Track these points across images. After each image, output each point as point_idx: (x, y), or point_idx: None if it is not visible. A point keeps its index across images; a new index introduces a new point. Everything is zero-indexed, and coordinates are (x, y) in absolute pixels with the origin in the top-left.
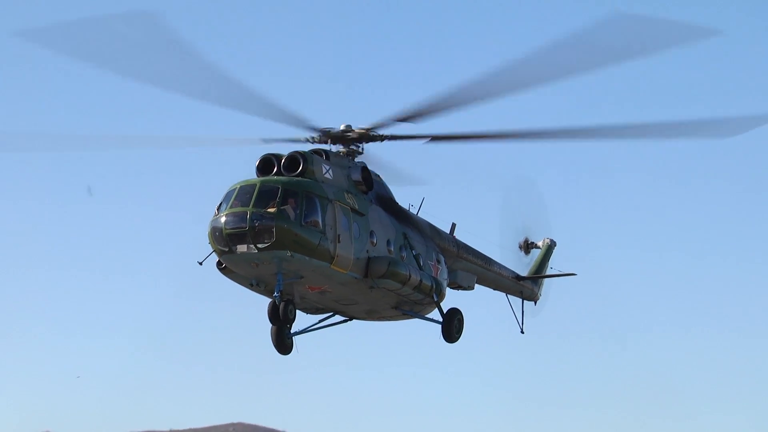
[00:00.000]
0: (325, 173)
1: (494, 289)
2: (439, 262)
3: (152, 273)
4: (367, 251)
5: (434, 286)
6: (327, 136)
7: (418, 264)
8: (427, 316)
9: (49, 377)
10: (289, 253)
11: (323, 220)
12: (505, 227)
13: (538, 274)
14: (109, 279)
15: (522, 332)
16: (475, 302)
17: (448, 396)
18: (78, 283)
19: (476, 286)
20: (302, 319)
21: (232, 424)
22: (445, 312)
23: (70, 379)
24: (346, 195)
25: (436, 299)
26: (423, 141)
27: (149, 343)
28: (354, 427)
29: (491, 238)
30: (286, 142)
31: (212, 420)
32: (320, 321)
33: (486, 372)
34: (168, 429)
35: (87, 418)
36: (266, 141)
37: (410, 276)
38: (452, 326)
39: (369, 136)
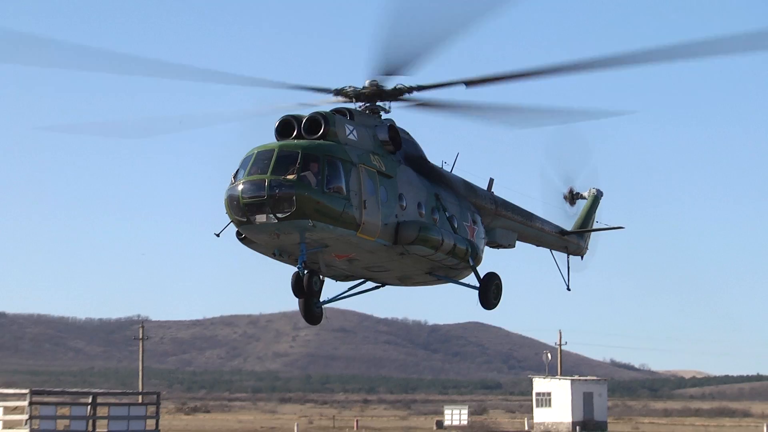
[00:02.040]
0: (349, 134)
1: (537, 246)
2: (475, 222)
3: None
4: (396, 216)
5: (470, 250)
6: (351, 93)
7: (452, 226)
8: (464, 280)
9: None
10: (311, 223)
11: (347, 186)
12: (548, 179)
13: (584, 226)
14: None
15: (568, 289)
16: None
17: None
18: None
19: (518, 243)
20: (331, 286)
21: None
22: (482, 277)
23: (158, 265)
24: (371, 157)
25: (472, 263)
26: (458, 86)
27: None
28: None
29: (533, 193)
30: (308, 90)
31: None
32: (350, 288)
33: None
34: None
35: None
36: (288, 86)
37: (443, 240)
38: (489, 292)
39: (397, 89)
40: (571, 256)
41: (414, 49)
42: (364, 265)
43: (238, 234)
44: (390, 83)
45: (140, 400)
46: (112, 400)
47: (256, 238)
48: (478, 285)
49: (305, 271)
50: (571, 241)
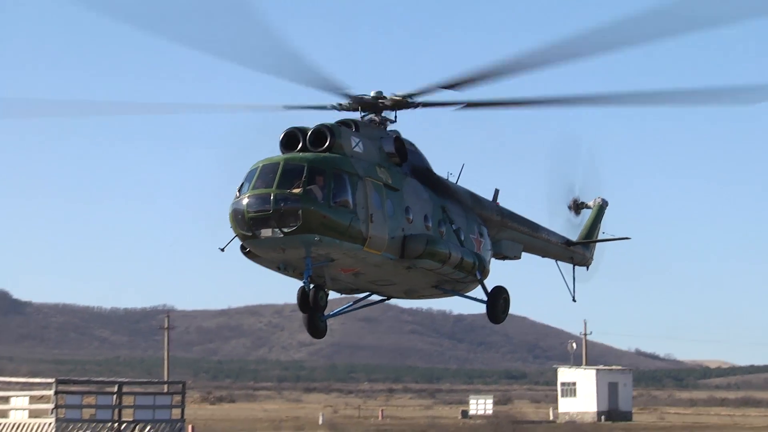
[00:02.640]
0: (355, 147)
1: (542, 257)
2: (481, 235)
3: None
4: (403, 229)
5: (477, 263)
6: (356, 103)
7: (459, 239)
8: (472, 294)
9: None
10: (317, 238)
11: (354, 199)
12: (553, 190)
13: (590, 236)
14: None
15: (574, 300)
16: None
17: None
18: None
19: (523, 254)
20: (336, 299)
21: None
22: (489, 291)
23: (184, 255)
24: (378, 169)
25: (479, 277)
26: (457, 107)
27: None
28: None
29: (537, 204)
30: (311, 109)
31: None
32: (355, 302)
33: None
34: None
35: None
36: (289, 107)
37: (450, 254)
38: (498, 306)
39: (403, 102)
40: (576, 267)
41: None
42: (370, 278)
43: (242, 248)
44: (396, 95)
45: (166, 390)
46: (137, 389)
47: (261, 253)
48: (485, 299)
49: (311, 286)
50: (576, 252)
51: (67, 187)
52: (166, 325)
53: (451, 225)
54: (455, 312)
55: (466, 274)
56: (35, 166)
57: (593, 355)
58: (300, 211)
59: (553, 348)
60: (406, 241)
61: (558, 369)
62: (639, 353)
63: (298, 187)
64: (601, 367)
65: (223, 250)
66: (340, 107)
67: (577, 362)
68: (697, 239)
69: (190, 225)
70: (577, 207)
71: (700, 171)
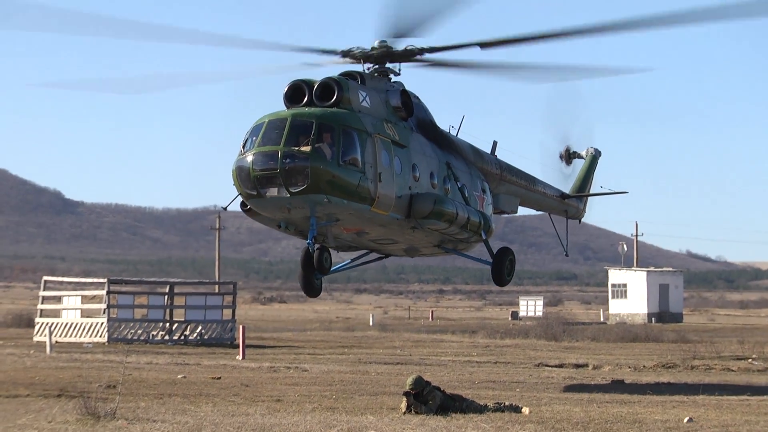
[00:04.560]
0: (362, 101)
1: (537, 210)
2: (484, 191)
3: None
4: (410, 188)
5: (482, 223)
6: (358, 55)
7: (464, 197)
8: (476, 254)
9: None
10: (326, 198)
11: (362, 157)
12: (546, 140)
13: (583, 187)
14: None
15: (566, 255)
16: None
17: None
18: None
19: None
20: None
21: None
22: (495, 252)
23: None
24: (385, 125)
25: (484, 237)
26: (472, 48)
27: None
28: None
29: (524, 151)
30: (317, 53)
31: None
32: (353, 260)
33: None
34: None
35: None
36: (296, 49)
37: (457, 214)
38: (503, 268)
39: (407, 51)
40: (570, 220)
41: (425, 10)
42: (373, 238)
43: (243, 205)
44: (400, 44)
45: (217, 290)
46: (189, 289)
47: (265, 212)
48: (491, 260)
49: (315, 247)
50: (571, 205)
51: (120, 86)
52: (217, 226)
53: (456, 182)
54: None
55: (471, 234)
56: (86, 64)
57: (644, 256)
58: (308, 170)
59: (604, 249)
60: (414, 201)
61: (609, 270)
62: (690, 255)
63: (307, 145)
64: (651, 268)
65: (225, 209)
66: (344, 54)
67: (627, 264)
68: (750, 140)
69: (242, 124)
70: (569, 157)
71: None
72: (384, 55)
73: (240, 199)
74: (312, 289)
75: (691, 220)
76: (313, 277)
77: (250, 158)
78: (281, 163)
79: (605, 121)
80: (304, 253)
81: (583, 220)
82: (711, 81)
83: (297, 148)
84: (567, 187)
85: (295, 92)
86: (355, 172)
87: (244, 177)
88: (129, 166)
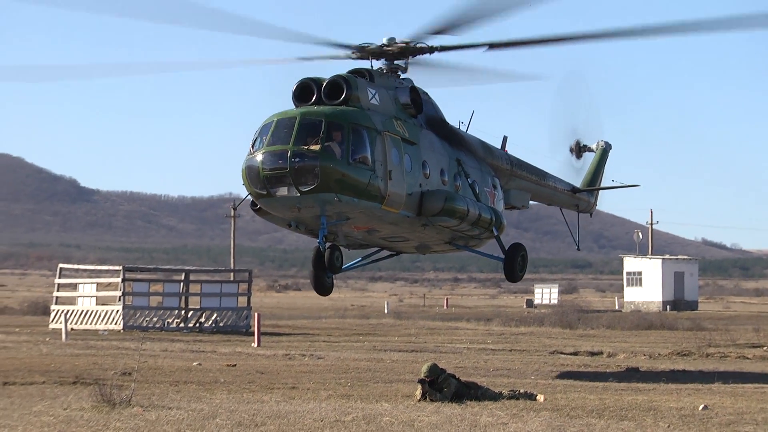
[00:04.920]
0: (371, 99)
1: (548, 205)
2: (495, 187)
3: None
4: (420, 185)
5: (494, 219)
6: (367, 51)
7: (474, 193)
8: (488, 251)
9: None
10: (336, 197)
11: (372, 156)
12: (556, 133)
13: (594, 181)
14: None
15: (578, 249)
16: None
17: None
18: None
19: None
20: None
21: None
22: (507, 249)
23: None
24: (395, 122)
25: (495, 233)
26: (480, 50)
27: None
28: None
29: (541, 148)
30: (325, 59)
31: None
32: (364, 258)
33: None
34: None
35: None
36: (302, 59)
37: (468, 211)
38: (515, 264)
39: (416, 48)
40: (581, 214)
41: (436, 12)
42: (383, 235)
43: (253, 204)
44: (412, 42)
45: (232, 278)
46: (204, 277)
47: (275, 212)
48: (503, 257)
49: (327, 246)
50: (582, 199)
51: (135, 74)
52: (232, 214)
53: (466, 178)
54: None
55: (482, 230)
56: (103, 53)
57: (659, 244)
58: (318, 169)
59: (619, 237)
60: (424, 198)
61: (624, 258)
62: (705, 242)
63: (316, 144)
64: (667, 256)
65: (235, 209)
66: (353, 55)
67: (642, 252)
68: (767, 127)
69: (257, 112)
70: (580, 150)
71: None
72: (395, 53)
73: (249, 198)
74: (323, 288)
75: (706, 208)
76: (324, 277)
77: (259, 158)
78: (291, 162)
79: (620, 109)
80: (315, 252)
81: (598, 207)
82: (727, 68)
83: (306, 147)
84: (578, 181)
85: (304, 90)
86: (365, 170)
87: (253, 177)
88: (144, 155)
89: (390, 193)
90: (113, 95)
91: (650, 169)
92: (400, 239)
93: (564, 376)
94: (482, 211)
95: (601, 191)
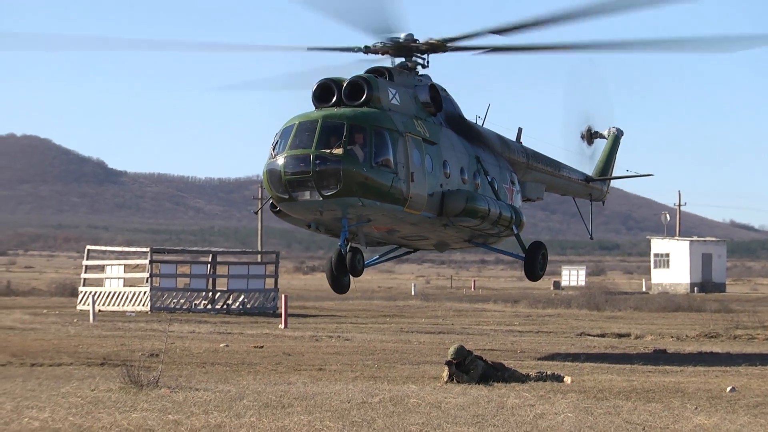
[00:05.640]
0: (392, 99)
1: (562, 195)
2: (513, 183)
3: None
4: (441, 185)
5: (513, 217)
6: (386, 47)
7: (494, 190)
8: (508, 249)
9: None
10: (360, 202)
11: (395, 158)
12: (568, 120)
13: (606, 168)
14: None
15: (591, 238)
16: None
17: None
18: None
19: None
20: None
21: None
22: (527, 247)
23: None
24: (415, 122)
25: (516, 231)
26: (484, 51)
27: None
28: None
29: (552, 135)
30: (337, 50)
31: None
32: (381, 255)
33: None
34: None
35: None
36: (312, 49)
37: (489, 210)
38: (536, 263)
39: (435, 45)
40: (594, 203)
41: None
42: (403, 235)
43: (272, 206)
44: (422, 38)
45: (259, 259)
46: (231, 258)
47: (297, 215)
48: (523, 255)
49: (348, 249)
50: (595, 188)
51: (163, 56)
52: (259, 195)
53: (486, 176)
54: None
55: (502, 229)
56: (131, 32)
57: (687, 226)
58: (341, 173)
59: (647, 219)
60: (445, 199)
61: (651, 240)
62: (733, 224)
63: (339, 147)
64: (694, 238)
65: (256, 213)
66: (367, 50)
67: (670, 233)
68: None
69: (284, 94)
70: (591, 137)
71: None
72: (407, 50)
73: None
74: (341, 288)
75: (734, 190)
76: (343, 278)
77: (281, 161)
78: (313, 166)
79: (649, 89)
80: (337, 255)
81: (626, 189)
82: (759, 49)
83: (329, 151)
84: (589, 168)
85: (324, 91)
86: (388, 173)
87: (275, 180)
88: (172, 136)
89: (412, 194)
90: (142, 76)
91: (678, 150)
92: (419, 238)
93: (591, 357)
94: (502, 209)
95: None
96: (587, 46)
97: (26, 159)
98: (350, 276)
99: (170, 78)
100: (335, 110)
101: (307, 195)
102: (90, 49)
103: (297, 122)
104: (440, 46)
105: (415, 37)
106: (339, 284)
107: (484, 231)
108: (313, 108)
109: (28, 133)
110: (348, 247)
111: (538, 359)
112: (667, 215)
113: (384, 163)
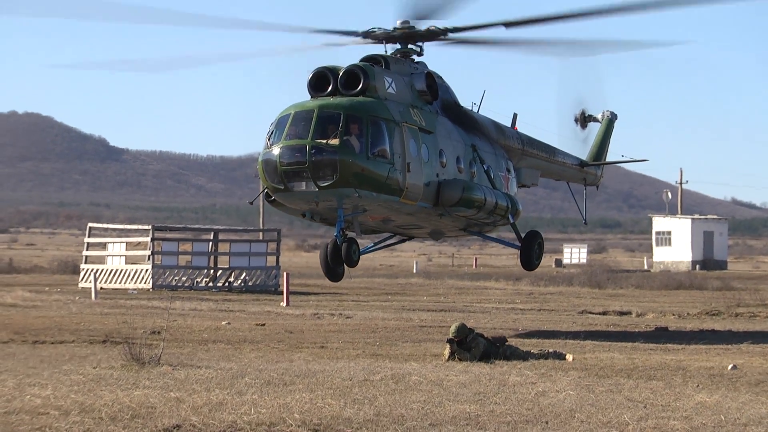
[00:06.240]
0: (388, 88)
1: (556, 180)
2: (509, 170)
3: None
4: (437, 175)
5: (510, 206)
6: (381, 35)
7: (490, 179)
8: (505, 239)
9: None
10: (356, 193)
11: (391, 148)
12: (561, 104)
13: (600, 152)
14: None
15: (585, 223)
16: None
17: None
18: None
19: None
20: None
21: None
22: (523, 236)
23: (281, 103)
24: (411, 111)
25: (512, 220)
26: (497, 28)
27: None
28: None
29: (545, 119)
30: (338, 34)
31: None
32: (375, 243)
33: None
34: None
35: None
36: (317, 31)
37: (485, 200)
38: (532, 252)
39: (430, 31)
40: (588, 188)
41: None
42: (398, 224)
43: (267, 196)
44: (423, 25)
45: (261, 237)
46: (233, 236)
47: (292, 205)
48: (519, 244)
49: (343, 240)
50: (589, 173)
51: (164, 33)
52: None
53: (482, 165)
54: None
55: (498, 218)
56: (131, 11)
57: (688, 204)
58: (337, 164)
59: (648, 197)
60: (442, 189)
61: (653, 218)
62: (735, 202)
63: (335, 138)
64: (696, 216)
65: (251, 203)
66: (366, 35)
67: (672, 211)
68: None
69: (286, 71)
70: (584, 120)
71: None
72: (406, 36)
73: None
74: (336, 276)
75: (736, 168)
76: (338, 268)
77: (276, 151)
78: (309, 156)
79: (650, 67)
80: (332, 245)
81: (627, 167)
82: (756, 25)
83: (325, 141)
84: (583, 152)
85: (320, 80)
86: (384, 163)
87: (271, 171)
88: (174, 114)
89: (408, 185)
90: (143, 53)
91: (680, 128)
92: (415, 227)
93: (593, 335)
94: (499, 198)
95: (630, 147)
96: (591, 43)
97: (28, 137)
98: (344, 267)
99: (172, 55)
100: (331, 100)
101: (303, 185)
102: (90, 18)
103: (293, 112)
104: (435, 34)
105: (411, 25)
106: (333, 273)
107: (480, 220)
108: (309, 97)
109: (30, 110)
110: (344, 237)
111: (540, 337)
112: (669, 193)
113: (380, 153)
